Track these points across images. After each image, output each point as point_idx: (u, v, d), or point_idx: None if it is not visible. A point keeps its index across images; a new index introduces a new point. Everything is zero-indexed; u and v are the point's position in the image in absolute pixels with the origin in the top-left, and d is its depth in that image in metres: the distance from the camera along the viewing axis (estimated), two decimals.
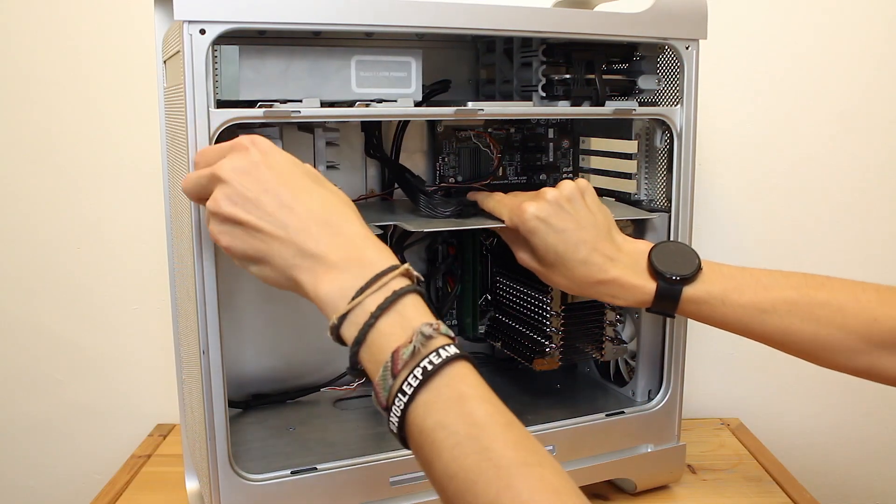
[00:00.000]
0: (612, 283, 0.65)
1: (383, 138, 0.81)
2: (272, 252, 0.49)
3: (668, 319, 0.76)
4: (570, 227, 0.64)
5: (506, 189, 0.73)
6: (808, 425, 1.08)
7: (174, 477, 0.82)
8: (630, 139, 0.79)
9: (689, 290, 0.64)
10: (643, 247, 0.67)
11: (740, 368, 1.06)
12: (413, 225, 0.69)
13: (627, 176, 0.80)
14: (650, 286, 0.65)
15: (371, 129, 0.80)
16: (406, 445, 0.46)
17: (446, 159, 0.84)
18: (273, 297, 0.82)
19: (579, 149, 0.89)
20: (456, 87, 0.82)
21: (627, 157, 0.80)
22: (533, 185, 0.88)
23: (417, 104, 0.65)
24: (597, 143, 0.88)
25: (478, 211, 0.72)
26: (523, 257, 0.69)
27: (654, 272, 0.65)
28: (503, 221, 0.68)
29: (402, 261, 0.83)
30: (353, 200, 0.80)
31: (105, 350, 1.00)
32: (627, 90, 0.74)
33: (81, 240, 0.97)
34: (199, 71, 0.55)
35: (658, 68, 0.75)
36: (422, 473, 0.65)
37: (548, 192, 0.65)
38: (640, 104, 0.75)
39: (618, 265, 0.65)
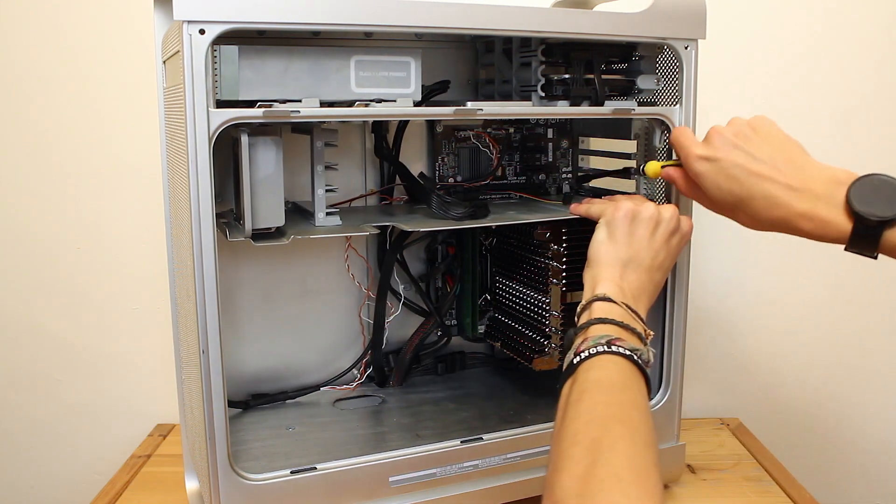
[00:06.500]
0: (799, 217, 0.59)
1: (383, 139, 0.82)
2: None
3: (667, 321, 0.76)
4: (741, 162, 0.61)
5: (506, 188, 0.73)
6: (807, 425, 1.09)
7: (174, 477, 0.82)
8: (629, 139, 0.79)
9: (890, 234, 0.57)
10: (842, 175, 0.60)
11: (740, 368, 1.06)
12: (409, 225, 0.69)
13: (627, 176, 0.80)
14: (845, 225, 0.58)
15: (381, 131, 0.80)
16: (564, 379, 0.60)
17: (446, 159, 0.84)
18: (273, 297, 0.82)
19: (579, 149, 0.89)
20: (455, 87, 0.83)
21: (627, 156, 0.80)
22: (532, 185, 0.88)
23: (417, 104, 0.65)
24: (596, 143, 0.88)
25: (489, 213, 0.73)
26: (705, 203, 0.66)
27: (851, 211, 0.58)
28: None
29: (402, 261, 0.84)
30: (353, 199, 0.82)
31: (104, 350, 1.00)
32: (626, 90, 0.74)
33: (81, 240, 0.97)
34: (198, 71, 0.55)
35: (657, 68, 0.75)
36: (421, 473, 0.69)
37: (714, 129, 0.63)
38: (639, 104, 0.75)
39: (805, 197, 0.59)
